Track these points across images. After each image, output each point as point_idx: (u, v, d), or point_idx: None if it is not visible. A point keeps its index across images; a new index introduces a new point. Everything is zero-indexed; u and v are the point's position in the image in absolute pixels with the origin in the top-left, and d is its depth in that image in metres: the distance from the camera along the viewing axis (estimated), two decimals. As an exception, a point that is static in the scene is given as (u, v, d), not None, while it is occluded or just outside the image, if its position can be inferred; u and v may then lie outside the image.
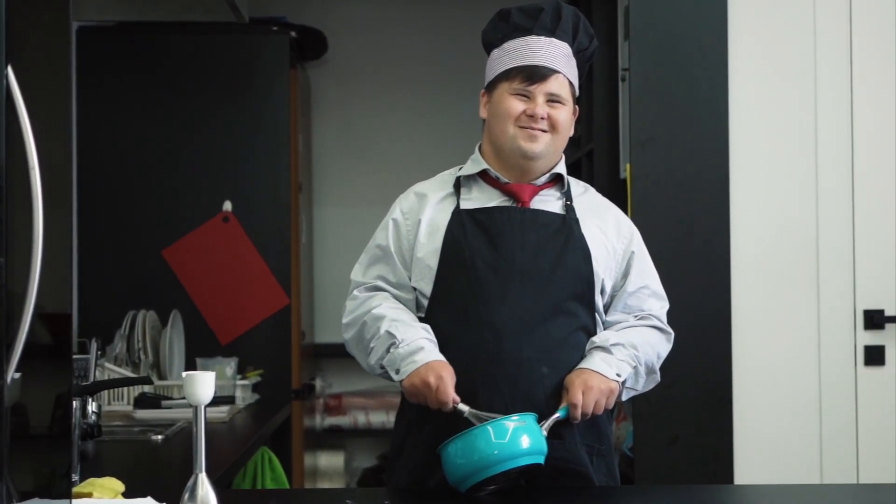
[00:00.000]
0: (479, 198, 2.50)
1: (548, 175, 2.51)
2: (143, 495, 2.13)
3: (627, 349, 2.42)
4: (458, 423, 2.30)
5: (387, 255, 2.51)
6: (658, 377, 2.52)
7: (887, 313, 3.64)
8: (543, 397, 2.38)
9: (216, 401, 3.23)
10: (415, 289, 2.48)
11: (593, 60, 2.65)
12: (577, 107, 2.53)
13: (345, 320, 2.52)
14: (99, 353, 3.19)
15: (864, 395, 3.64)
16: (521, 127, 2.45)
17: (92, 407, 2.90)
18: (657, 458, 3.56)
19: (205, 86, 4.57)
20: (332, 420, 5.58)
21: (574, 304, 2.44)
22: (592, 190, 2.60)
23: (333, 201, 5.72)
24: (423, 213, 2.49)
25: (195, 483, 1.90)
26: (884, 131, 3.65)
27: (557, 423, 2.34)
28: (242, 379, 4.21)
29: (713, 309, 3.58)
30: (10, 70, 1.56)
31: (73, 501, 1.99)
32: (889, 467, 3.57)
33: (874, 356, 3.64)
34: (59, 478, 1.85)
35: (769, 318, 3.64)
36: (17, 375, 1.58)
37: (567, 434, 2.40)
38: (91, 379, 2.97)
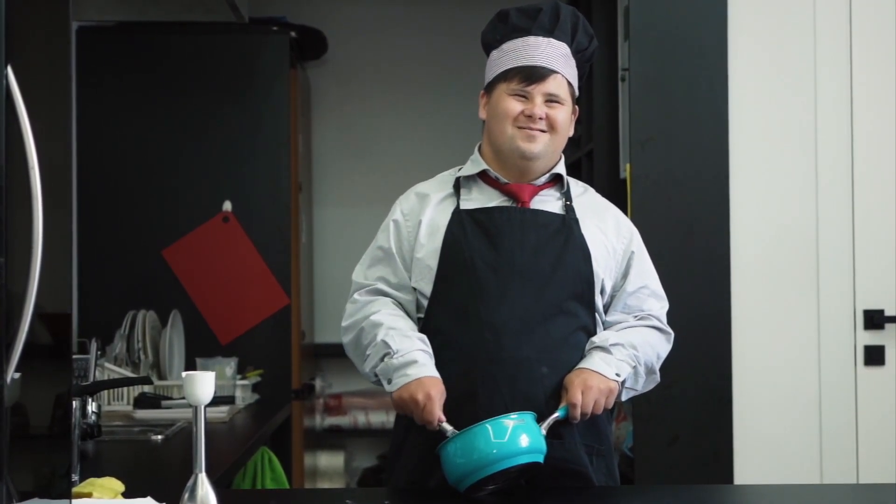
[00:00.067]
0: (479, 198, 2.50)
1: (547, 175, 2.51)
2: (143, 495, 2.13)
3: (627, 349, 2.42)
4: (458, 424, 2.30)
5: (388, 256, 2.51)
6: (658, 377, 2.52)
7: (887, 313, 3.64)
8: (543, 397, 2.38)
9: (216, 401, 3.23)
10: (415, 289, 2.48)
11: (594, 60, 2.65)
12: (576, 107, 2.53)
13: (344, 324, 2.52)
14: (99, 353, 3.19)
15: (863, 395, 3.64)
16: (520, 127, 2.45)
17: (92, 407, 2.90)
18: (657, 458, 3.56)
19: (205, 86, 4.57)
20: (331, 420, 5.58)
21: (574, 304, 2.44)
22: (592, 190, 2.60)
23: (333, 201, 5.72)
24: (424, 214, 2.49)
25: (195, 483, 1.90)
26: (884, 131, 3.65)
27: (557, 422, 2.34)
28: (242, 379, 4.21)
29: (713, 309, 3.58)
30: (10, 70, 1.56)
31: (73, 501, 1.99)
32: (889, 467, 3.57)
33: (874, 356, 3.64)
34: (58, 478, 1.85)
35: (769, 318, 3.64)
36: (17, 375, 1.58)
37: (566, 434, 2.40)
38: (91, 379, 2.97)
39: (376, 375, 2.43)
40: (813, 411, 3.64)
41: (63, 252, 1.87)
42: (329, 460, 5.50)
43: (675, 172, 3.59)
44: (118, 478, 2.21)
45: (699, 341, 3.54)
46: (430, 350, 2.40)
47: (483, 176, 2.52)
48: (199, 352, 4.25)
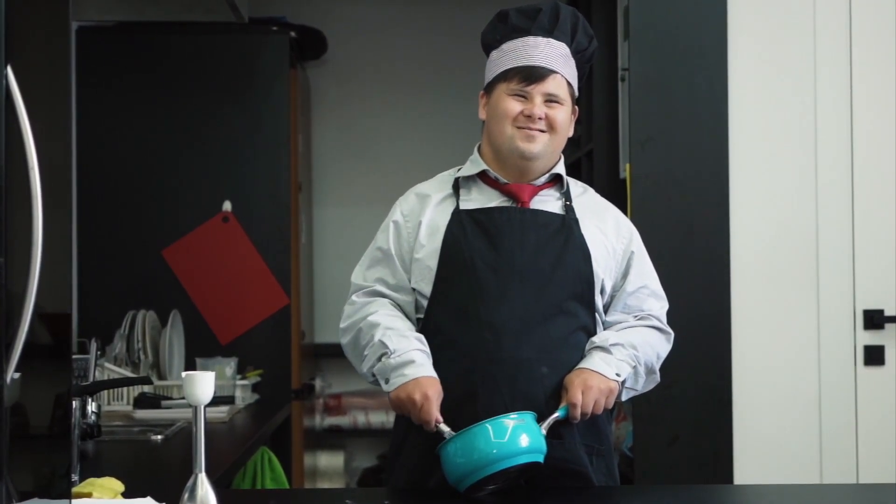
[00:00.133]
0: (479, 198, 2.50)
1: (547, 175, 2.51)
2: (143, 495, 2.13)
3: (627, 349, 2.42)
4: (457, 424, 2.30)
5: (387, 257, 2.51)
6: (658, 377, 2.52)
7: (887, 313, 3.64)
8: (543, 397, 2.38)
9: (216, 401, 3.23)
10: (414, 290, 2.48)
11: (594, 61, 2.65)
12: (576, 107, 2.53)
13: (342, 325, 2.53)
14: (98, 353, 3.19)
15: (863, 395, 3.64)
16: (519, 127, 2.45)
17: (91, 407, 2.90)
18: (657, 457, 3.56)
19: (205, 86, 4.57)
20: (331, 420, 5.58)
21: (574, 304, 2.44)
22: (591, 190, 2.60)
23: (333, 201, 5.72)
24: (424, 215, 2.49)
25: (195, 483, 1.90)
26: (884, 131, 3.65)
27: (557, 422, 2.34)
28: (242, 379, 4.21)
29: (713, 309, 3.58)
30: (9, 70, 1.56)
31: (73, 501, 1.99)
32: (889, 467, 3.57)
33: (874, 356, 3.64)
34: (58, 478, 1.85)
35: (769, 317, 3.64)
36: (17, 375, 1.58)
37: (566, 434, 2.40)
38: (91, 379, 2.97)
39: (374, 375, 2.43)
40: (813, 411, 3.64)
41: (63, 252, 1.87)
42: (329, 460, 5.50)
43: (674, 172, 3.59)
44: (118, 478, 2.21)
45: (699, 341, 3.54)
46: (428, 350, 2.41)
47: (482, 176, 2.52)
48: (198, 352, 4.25)
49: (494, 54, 2.52)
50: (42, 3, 1.76)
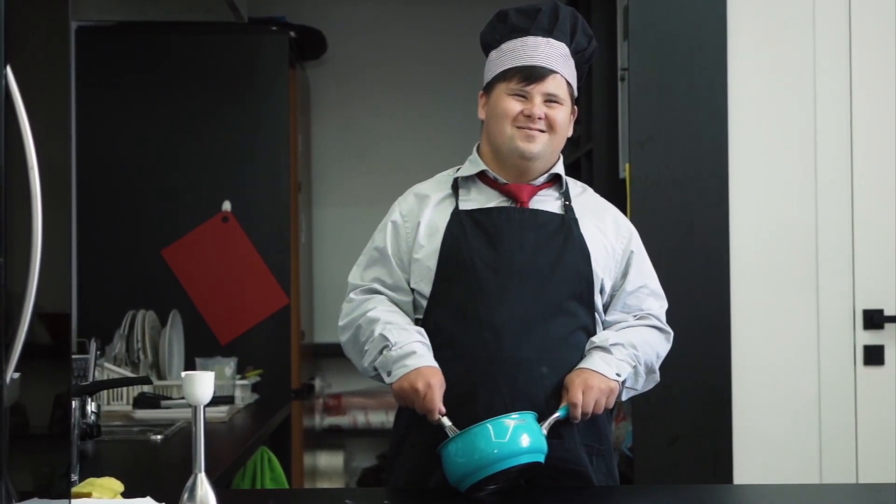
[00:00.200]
0: (478, 198, 2.50)
1: (546, 175, 2.51)
2: (143, 495, 2.13)
3: (627, 349, 2.42)
4: (457, 424, 2.30)
5: (384, 257, 2.51)
6: (657, 377, 2.52)
7: (886, 313, 3.64)
8: (543, 397, 2.38)
9: (215, 401, 3.23)
10: (414, 290, 2.48)
11: (593, 61, 2.65)
12: (576, 107, 2.53)
13: (341, 323, 2.53)
14: (98, 353, 3.19)
15: (863, 394, 3.64)
16: (519, 127, 2.45)
17: (91, 407, 2.89)
18: (657, 457, 3.56)
19: (204, 86, 4.57)
20: (331, 420, 5.58)
21: (573, 303, 2.44)
22: (590, 190, 2.60)
23: (333, 201, 5.72)
24: (423, 215, 2.50)
25: (194, 483, 1.90)
26: (883, 131, 3.65)
27: (557, 422, 2.34)
28: (242, 379, 4.21)
29: (713, 309, 3.58)
30: (9, 70, 1.56)
31: (73, 501, 1.99)
32: (889, 467, 3.57)
33: (873, 356, 3.64)
34: (58, 478, 1.85)
35: (769, 317, 3.64)
36: (17, 375, 1.58)
37: (567, 434, 2.40)
38: (90, 379, 2.97)
39: (375, 370, 2.43)
40: (812, 411, 3.64)
41: (62, 252, 1.87)
42: (328, 460, 5.50)
43: (674, 172, 3.59)
44: (117, 478, 2.21)
45: (699, 341, 3.54)
46: (429, 342, 2.40)
47: (482, 176, 2.52)
48: (198, 352, 4.25)
49: (494, 54, 2.52)
50: (42, 3, 1.76)
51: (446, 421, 2.31)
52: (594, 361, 2.39)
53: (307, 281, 5.28)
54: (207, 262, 4.51)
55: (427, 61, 5.72)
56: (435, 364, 2.37)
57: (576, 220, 2.48)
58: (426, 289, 2.45)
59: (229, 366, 4.09)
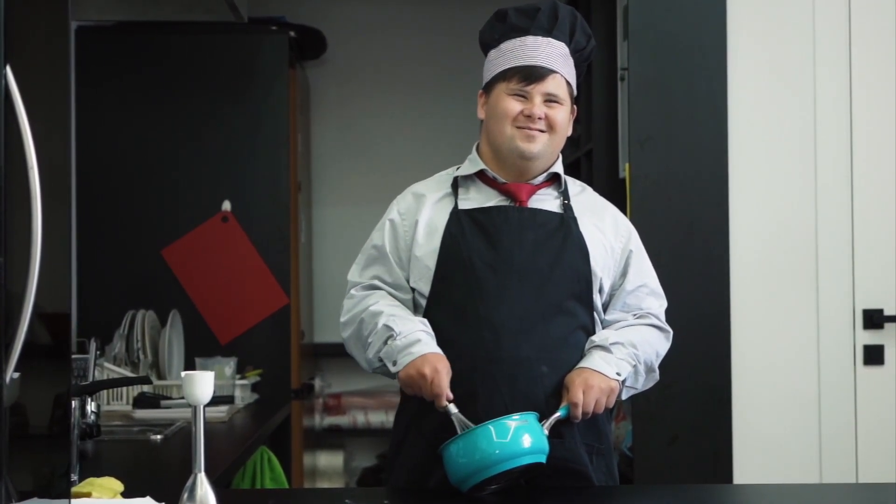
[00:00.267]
0: (477, 198, 2.50)
1: (545, 174, 2.51)
2: (143, 495, 2.13)
3: (627, 348, 2.42)
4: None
5: (382, 255, 2.51)
6: (657, 376, 2.52)
7: (886, 313, 3.64)
8: (543, 396, 2.38)
9: (215, 400, 3.23)
10: (413, 289, 2.48)
11: (591, 60, 2.65)
12: (575, 106, 2.53)
13: (343, 319, 2.53)
14: (98, 352, 3.19)
15: (863, 394, 3.64)
16: (519, 127, 2.45)
17: (91, 407, 2.89)
18: (656, 457, 3.56)
19: (204, 86, 4.57)
20: (331, 420, 5.58)
21: (573, 303, 2.44)
22: (590, 189, 2.60)
23: (332, 201, 5.72)
24: (421, 214, 2.50)
25: (194, 483, 1.90)
26: (883, 131, 3.65)
27: (557, 422, 2.34)
28: (241, 379, 4.21)
29: (712, 308, 3.58)
30: (9, 70, 1.56)
31: (73, 501, 1.99)
32: (888, 467, 3.57)
33: (873, 355, 3.64)
34: (58, 477, 1.85)
35: (768, 317, 3.64)
36: (17, 375, 1.58)
37: (567, 433, 2.40)
38: (90, 379, 2.97)
39: (380, 361, 2.42)
40: (812, 411, 3.64)
41: (62, 252, 1.87)
42: (328, 460, 5.50)
43: (674, 172, 3.59)
44: (117, 477, 2.21)
45: (699, 341, 3.54)
46: (432, 332, 2.40)
47: (481, 175, 2.52)
48: (198, 351, 4.25)
49: (493, 54, 2.52)
50: (42, 3, 1.76)
51: (453, 408, 2.32)
52: (594, 361, 2.39)
53: (307, 281, 5.28)
54: (207, 262, 4.51)
55: (427, 61, 5.72)
56: (440, 351, 2.37)
57: (575, 220, 2.48)
58: (425, 288, 2.45)
59: (229, 366, 4.09)
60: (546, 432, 2.29)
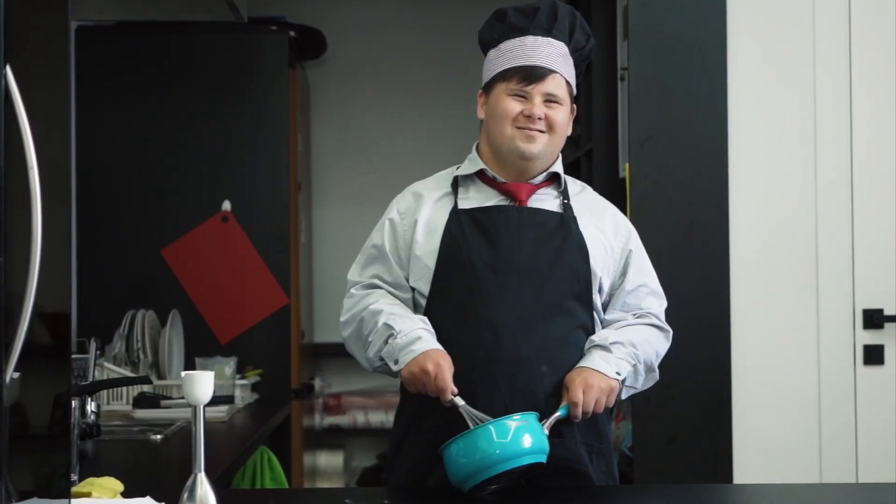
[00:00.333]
0: (477, 197, 2.50)
1: (545, 174, 2.51)
2: (142, 495, 2.13)
3: (627, 347, 2.42)
4: (457, 423, 2.30)
5: (382, 255, 2.51)
6: (657, 375, 2.52)
7: (886, 312, 3.64)
8: (543, 396, 2.38)
9: (215, 400, 3.23)
10: (413, 289, 2.48)
11: (591, 59, 2.65)
12: (575, 106, 2.53)
13: (343, 318, 2.53)
14: (98, 352, 3.19)
15: (863, 394, 3.64)
16: (519, 127, 2.45)
17: (91, 406, 2.89)
18: (656, 457, 3.56)
19: (204, 85, 4.57)
20: (331, 419, 5.58)
21: (573, 302, 2.44)
22: (589, 189, 2.60)
23: (332, 201, 5.72)
24: (420, 213, 2.50)
25: (194, 483, 1.90)
26: (883, 131, 3.65)
27: (557, 421, 2.34)
28: (241, 378, 4.21)
29: (712, 308, 3.58)
30: (9, 70, 1.56)
31: (73, 501, 1.99)
32: (888, 467, 3.57)
33: (873, 355, 3.64)
34: (58, 477, 1.85)
35: (768, 317, 3.64)
36: (17, 375, 1.58)
37: (567, 433, 2.40)
38: (90, 378, 2.97)
39: (381, 360, 2.42)
40: (812, 411, 3.64)
41: (62, 252, 1.87)
42: (328, 460, 5.50)
43: (674, 172, 3.59)
44: (117, 477, 2.21)
45: (699, 341, 3.54)
46: (432, 330, 2.40)
47: (481, 175, 2.52)
48: (198, 351, 4.25)
49: (492, 53, 2.52)
50: (42, 3, 1.76)
51: (459, 400, 2.32)
52: (594, 360, 2.39)
53: (307, 281, 5.28)
54: (207, 262, 4.51)
55: (427, 61, 5.72)
56: (441, 347, 2.37)
57: (574, 219, 2.48)
58: (425, 287, 2.46)
59: (229, 365, 4.09)
60: (546, 432, 2.29)
